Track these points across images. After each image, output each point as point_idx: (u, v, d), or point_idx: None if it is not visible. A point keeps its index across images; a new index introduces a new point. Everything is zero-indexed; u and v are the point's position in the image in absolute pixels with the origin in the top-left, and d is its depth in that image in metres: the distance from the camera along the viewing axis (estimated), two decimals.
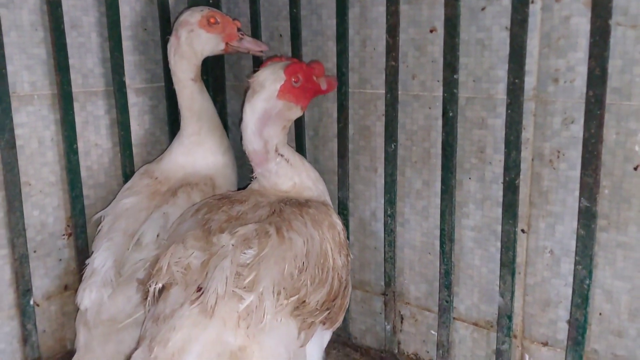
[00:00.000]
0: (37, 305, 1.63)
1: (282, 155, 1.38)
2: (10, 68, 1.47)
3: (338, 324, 1.33)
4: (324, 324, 1.26)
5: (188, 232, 1.20)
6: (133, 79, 1.76)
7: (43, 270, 1.64)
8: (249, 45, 1.60)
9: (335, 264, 1.27)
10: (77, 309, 1.72)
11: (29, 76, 1.53)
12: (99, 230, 1.50)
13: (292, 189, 1.39)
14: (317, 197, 1.42)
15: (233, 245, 1.14)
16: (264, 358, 1.10)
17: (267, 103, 1.33)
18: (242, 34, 1.59)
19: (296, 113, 1.39)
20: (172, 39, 1.56)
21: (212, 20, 1.54)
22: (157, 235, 1.40)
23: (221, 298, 1.07)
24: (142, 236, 1.40)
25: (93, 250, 1.49)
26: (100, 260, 1.40)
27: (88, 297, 1.39)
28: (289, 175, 1.39)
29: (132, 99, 1.76)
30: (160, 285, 1.16)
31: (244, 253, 1.13)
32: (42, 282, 1.64)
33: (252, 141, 1.36)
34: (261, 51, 1.62)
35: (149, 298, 1.18)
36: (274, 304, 1.10)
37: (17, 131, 1.50)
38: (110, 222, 1.48)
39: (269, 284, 1.10)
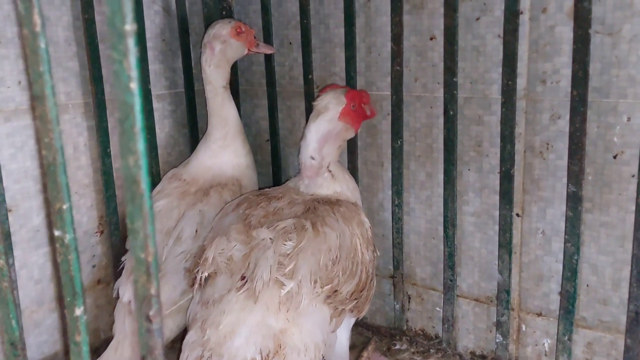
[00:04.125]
0: None
1: (330, 171, 1.52)
2: None
3: (364, 313, 1.47)
4: (351, 311, 1.40)
5: (231, 226, 1.35)
6: (154, 86, 1.90)
7: None
8: (264, 49, 1.83)
9: (363, 258, 1.41)
10: (110, 302, 1.87)
11: (65, 87, 1.67)
12: None
13: (332, 195, 1.52)
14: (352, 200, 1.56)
15: (271, 238, 1.29)
16: (302, 338, 1.24)
17: (330, 124, 1.49)
18: (257, 40, 1.79)
19: (350, 134, 1.54)
20: (207, 52, 1.71)
21: (239, 29, 1.71)
22: (196, 231, 1.54)
23: (266, 284, 1.22)
24: (182, 232, 1.54)
25: (129, 249, 1.63)
26: None
27: (130, 290, 1.53)
28: (331, 187, 1.52)
29: (154, 104, 1.90)
30: (206, 274, 1.31)
31: (284, 244, 1.28)
32: None
33: (312, 156, 1.50)
34: (272, 52, 1.87)
35: (196, 285, 1.33)
36: (311, 291, 1.25)
37: None
38: None
39: (307, 272, 1.25)
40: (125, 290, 1.56)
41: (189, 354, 1.23)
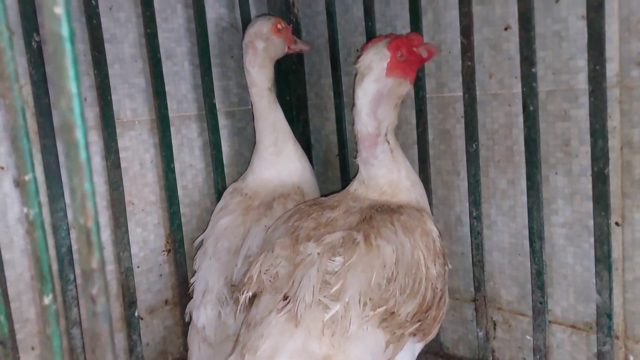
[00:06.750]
0: (141, 318, 1.73)
1: (388, 142, 1.35)
2: (114, 97, 1.61)
3: (431, 337, 1.27)
4: (414, 335, 1.22)
5: (277, 240, 1.24)
6: (222, 103, 1.88)
7: (146, 285, 1.75)
8: (302, 46, 1.74)
9: (429, 273, 1.22)
10: (178, 323, 1.82)
11: (131, 104, 1.68)
12: (204, 252, 1.57)
13: (388, 187, 1.36)
14: (413, 201, 1.37)
15: (319, 253, 1.16)
16: None
17: (378, 83, 1.32)
18: (294, 37, 1.73)
19: (406, 88, 1.36)
20: (250, 52, 1.63)
21: (279, 26, 1.65)
22: None
23: (308, 306, 1.09)
24: (249, 250, 1.47)
25: (196, 270, 1.58)
26: (214, 279, 1.48)
27: (204, 314, 1.46)
28: (390, 167, 1.35)
29: (222, 121, 1.86)
30: (250, 293, 1.21)
31: (332, 260, 1.14)
32: (145, 296, 1.75)
33: (366, 124, 1.33)
34: (308, 49, 1.77)
35: (240, 306, 1.23)
36: (359, 315, 1.10)
37: (121, 154, 1.64)
38: (213, 244, 1.55)
39: (355, 293, 1.10)
40: (199, 314, 1.50)
41: None
